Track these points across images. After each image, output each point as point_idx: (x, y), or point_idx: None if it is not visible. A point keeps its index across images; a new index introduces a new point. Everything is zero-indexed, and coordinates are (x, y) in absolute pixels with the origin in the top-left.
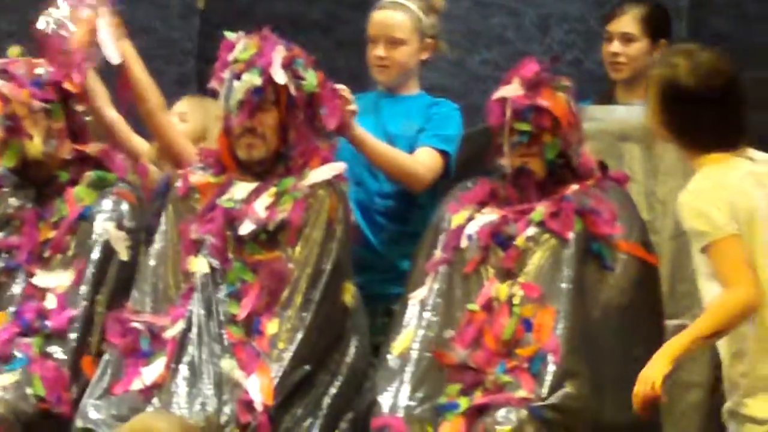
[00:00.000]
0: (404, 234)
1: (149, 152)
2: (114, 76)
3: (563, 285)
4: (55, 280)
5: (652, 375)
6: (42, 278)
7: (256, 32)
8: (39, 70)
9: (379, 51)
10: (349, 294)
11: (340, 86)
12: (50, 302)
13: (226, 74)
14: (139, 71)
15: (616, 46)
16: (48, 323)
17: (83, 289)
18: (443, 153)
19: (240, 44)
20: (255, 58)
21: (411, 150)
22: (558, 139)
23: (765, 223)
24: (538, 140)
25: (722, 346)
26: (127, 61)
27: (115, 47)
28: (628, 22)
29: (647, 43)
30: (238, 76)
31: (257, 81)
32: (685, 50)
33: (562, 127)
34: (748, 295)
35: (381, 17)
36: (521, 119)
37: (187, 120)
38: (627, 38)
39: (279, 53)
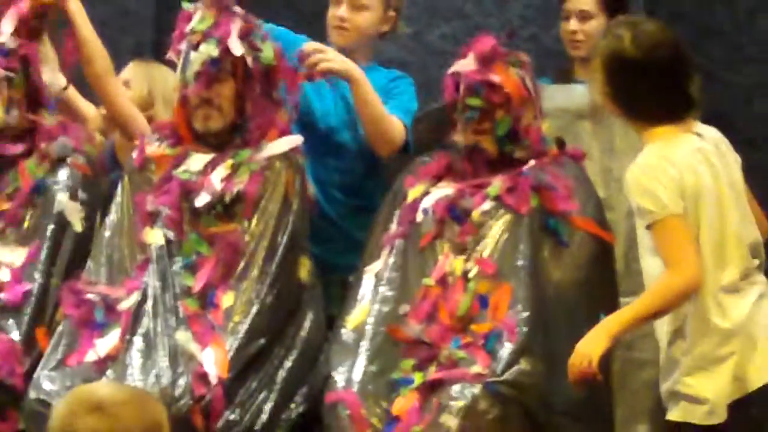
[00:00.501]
0: (361, 208)
1: (95, 119)
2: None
3: (519, 262)
4: (9, 255)
5: (588, 351)
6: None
7: (214, 3)
8: (2, 39)
9: (341, 11)
10: (305, 269)
11: (310, 45)
12: (4, 275)
13: (183, 45)
14: (87, 32)
15: (573, 23)
16: (2, 296)
17: (39, 262)
18: (406, 128)
19: (197, 15)
20: (212, 29)
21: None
22: (509, 115)
23: (710, 201)
24: (490, 116)
25: (661, 324)
26: (76, 21)
27: None
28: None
29: (604, 19)
30: (195, 47)
31: (214, 52)
32: (629, 22)
33: (514, 103)
34: (690, 276)
35: None
36: (473, 94)
37: (131, 86)
38: (584, 15)
39: (236, 24)
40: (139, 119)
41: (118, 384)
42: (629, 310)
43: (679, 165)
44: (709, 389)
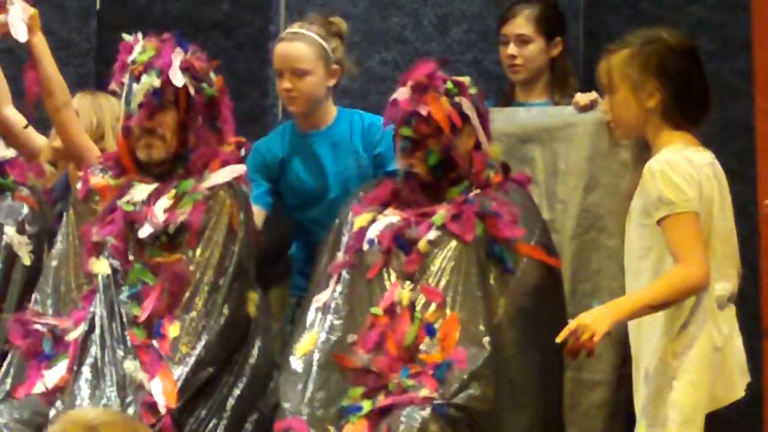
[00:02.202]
0: None
1: (45, 151)
2: (17, 73)
3: (466, 290)
4: None
5: (593, 326)
6: None
7: (155, 34)
8: None
9: (285, 84)
10: (253, 304)
11: None
12: None
13: (125, 77)
14: (48, 65)
15: (512, 48)
16: None
17: None
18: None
19: (138, 46)
20: (153, 60)
21: (362, 178)
22: (439, 145)
23: (718, 215)
24: (422, 146)
25: (643, 326)
26: (38, 53)
27: (24, 28)
28: (521, 23)
29: (543, 42)
30: (137, 79)
31: (156, 82)
32: (644, 31)
33: (444, 133)
34: (703, 273)
35: (283, 50)
36: (404, 124)
37: (79, 118)
38: (522, 40)
39: (178, 55)
40: (94, 151)
41: (101, 408)
42: (638, 296)
43: (699, 171)
44: (693, 397)
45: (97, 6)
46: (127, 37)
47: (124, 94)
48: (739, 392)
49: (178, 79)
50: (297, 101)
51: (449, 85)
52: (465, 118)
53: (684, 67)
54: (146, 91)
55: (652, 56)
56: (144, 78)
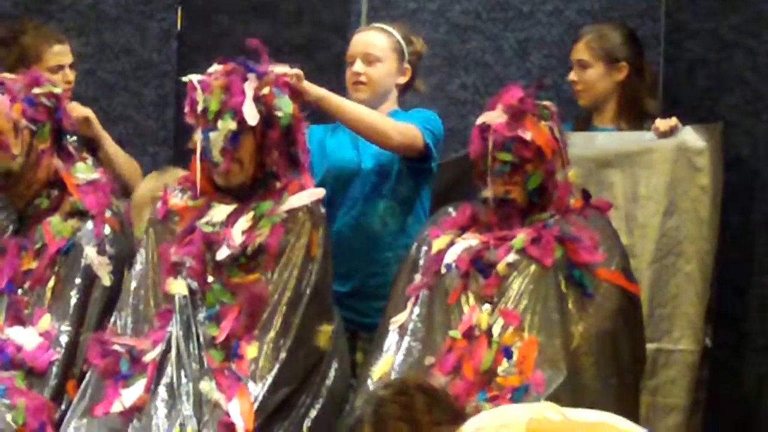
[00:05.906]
0: None
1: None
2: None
3: (544, 313)
4: (28, 334)
5: None
6: (17, 332)
7: (223, 62)
8: (37, 90)
9: (356, 67)
10: (326, 336)
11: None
12: (32, 339)
13: (199, 131)
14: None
15: (572, 73)
16: (28, 362)
17: (66, 324)
18: (422, 131)
19: (203, 92)
20: (226, 100)
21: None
22: (540, 169)
23: None
24: (520, 170)
25: None
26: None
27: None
28: (581, 48)
29: (602, 67)
30: (213, 127)
31: (232, 126)
32: None
33: (546, 156)
34: None
35: (360, 38)
36: (504, 149)
37: None
38: (582, 65)
39: (250, 86)
40: None
41: None
42: None
43: None
44: None
45: (179, 27)
46: (187, 78)
47: (200, 145)
48: None
49: (252, 117)
50: (364, 87)
51: (541, 109)
52: (557, 141)
53: None
54: (225, 136)
55: None
56: (220, 124)
